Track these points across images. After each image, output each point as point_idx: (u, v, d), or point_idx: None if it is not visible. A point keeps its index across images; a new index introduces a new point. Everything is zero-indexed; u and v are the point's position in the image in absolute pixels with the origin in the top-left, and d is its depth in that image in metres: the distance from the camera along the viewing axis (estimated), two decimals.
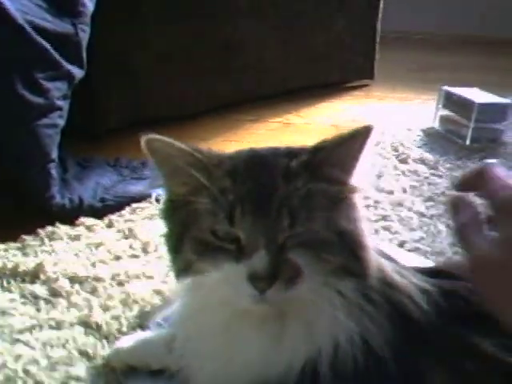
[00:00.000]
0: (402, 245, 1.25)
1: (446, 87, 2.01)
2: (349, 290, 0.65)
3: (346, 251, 0.65)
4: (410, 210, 1.42)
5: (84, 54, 1.46)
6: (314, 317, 0.65)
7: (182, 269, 0.69)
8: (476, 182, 0.64)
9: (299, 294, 0.63)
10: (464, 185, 0.64)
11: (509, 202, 0.60)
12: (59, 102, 1.39)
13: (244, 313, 0.66)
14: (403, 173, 1.64)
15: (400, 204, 1.44)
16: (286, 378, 0.64)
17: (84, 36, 1.45)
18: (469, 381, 0.64)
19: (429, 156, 1.77)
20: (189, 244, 0.66)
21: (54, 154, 1.37)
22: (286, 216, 0.62)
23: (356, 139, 0.65)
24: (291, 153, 0.68)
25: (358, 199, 0.68)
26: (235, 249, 0.63)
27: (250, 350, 0.66)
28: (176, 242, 0.69)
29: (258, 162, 0.67)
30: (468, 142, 1.87)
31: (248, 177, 0.65)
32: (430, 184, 1.58)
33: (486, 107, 1.87)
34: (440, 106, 2.02)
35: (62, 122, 1.40)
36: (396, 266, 0.72)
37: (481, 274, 0.59)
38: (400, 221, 1.36)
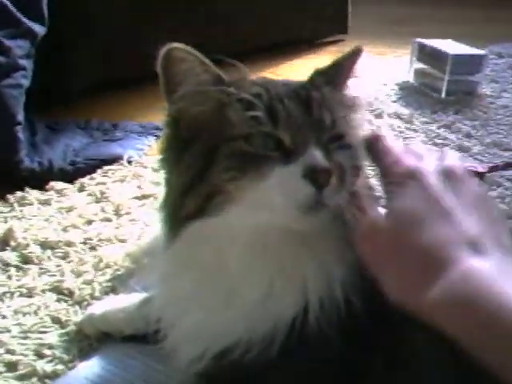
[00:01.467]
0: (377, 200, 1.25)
1: (419, 40, 1.98)
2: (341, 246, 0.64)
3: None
4: None
5: (45, 11, 1.41)
6: (306, 266, 0.63)
7: (200, 203, 0.63)
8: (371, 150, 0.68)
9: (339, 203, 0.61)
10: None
11: (397, 177, 0.62)
12: (22, 61, 1.35)
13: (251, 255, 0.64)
14: (378, 127, 1.62)
15: None
16: (274, 332, 0.62)
17: None
18: None
19: (404, 110, 1.76)
20: (220, 164, 0.61)
21: (21, 117, 1.33)
22: (328, 114, 0.62)
23: (355, 56, 0.70)
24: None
25: None
26: (279, 155, 0.60)
27: (237, 305, 0.64)
28: (197, 173, 0.62)
29: (278, 82, 0.68)
30: (443, 95, 1.85)
31: (279, 86, 0.64)
32: (405, 138, 1.57)
33: (460, 58, 1.85)
34: (414, 59, 1.99)
35: (26, 82, 1.36)
36: None
37: (368, 241, 0.60)
38: (374, 176, 1.34)
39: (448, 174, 0.62)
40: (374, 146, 0.68)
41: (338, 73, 0.70)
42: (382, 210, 0.62)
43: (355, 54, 0.71)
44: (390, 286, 0.58)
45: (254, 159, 0.60)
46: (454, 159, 0.66)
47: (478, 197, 0.62)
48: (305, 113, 0.61)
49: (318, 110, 0.62)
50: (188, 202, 0.64)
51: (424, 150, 0.69)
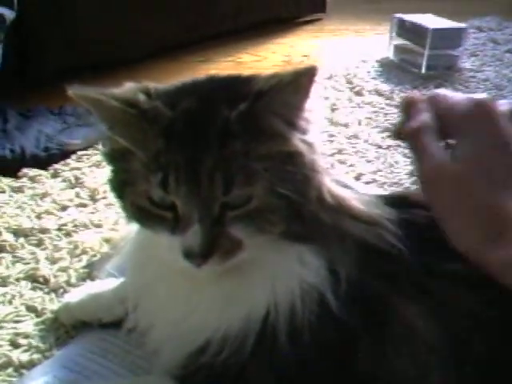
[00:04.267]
0: (358, 177, 1.23)
1: (398, 15, 1.95)
2: (300, 252, 0.62)
3: (290, 216, 0.60)
4: (366, 141, 1.39)
5: None
6: (270, 271, 0.62)
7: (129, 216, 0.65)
8: (424, 104, 0.62)
9: (242, 260, 0.61)
10: (409, 107, 0.62)
11: (468, 118, 0.58)
12: None
13: None
14: (358, 105, 1.60)
15: (356, 136, 1.41)
16: (246, 331, 0.61)
17: None
18: (441, 306, 0.61)
19: (384, 86, 1.73)
20: (127, 204, 0.62)
21: None
22: (219, 184, 0.56)
23: (299, 82, 0.57)
24: (233, 96, 0.59)
25: (308, 152, 0.60)
26: (172, 217, 0.59)
27: (205, 303, 0.63)
28: (118, 191, 0.64)
29: (197, 115, 0.58)
30: (423, 71, 1.83)
31: (183, 137, 0.57)
32: (385, 114, 1.55)
33: (440, 33, 1.82)
34: (393, 34, 1.97)
35: None
36: (359, 195, 0.68)
37: (433, 185, 0.57)
38: (356, 153, 1.33)
39: None
40: (430, 105, 0.62)
41: (283, 100, 0.58)
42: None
43: (308, 77, 0.56)
44: (455, 239, 0.56)
45: (151, 215, 0.60)
46: None
47: None
48: (195, 183, 0.56)
49: (208, 181, 0.56)
50: (121, 207, 0.65)
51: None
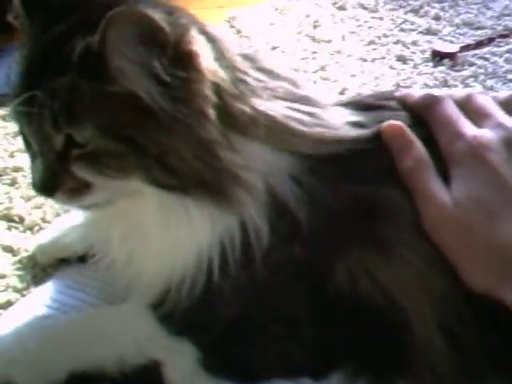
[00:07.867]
0: (342, 92, 1.18)
1: None
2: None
3: (146, 164, 0.55)
4: (349, 56, 1.33)
5: None
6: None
7: None
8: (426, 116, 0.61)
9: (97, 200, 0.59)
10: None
11: (457, 157, 0.57)
12: None
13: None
14: (341, 20, 1.52)
15: (339, 52, 1.35)
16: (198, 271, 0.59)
17: None
18: None
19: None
20: None
21: None
22: (48, 121, 0.54)
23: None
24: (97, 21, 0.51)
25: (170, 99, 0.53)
26: (28, 145, 0.60)
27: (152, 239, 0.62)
28: None
29: (60, 41, 0.55)
30: None
31: (32, 62, 0.56)
32: (370, 28, 1.48)
33: None
34: None
35: None
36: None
37: (438, 232, 0.56)
38: (340, 68, 1.27)
39: None
40: (428, 115, 0.61)
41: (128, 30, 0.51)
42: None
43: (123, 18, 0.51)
44: (469, 278, 0.54)
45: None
46: None
47: None
48: (30, 118, 0.55)
49: (38, 116, 0.54)
50: None
51: (484, 103, 0.62)
